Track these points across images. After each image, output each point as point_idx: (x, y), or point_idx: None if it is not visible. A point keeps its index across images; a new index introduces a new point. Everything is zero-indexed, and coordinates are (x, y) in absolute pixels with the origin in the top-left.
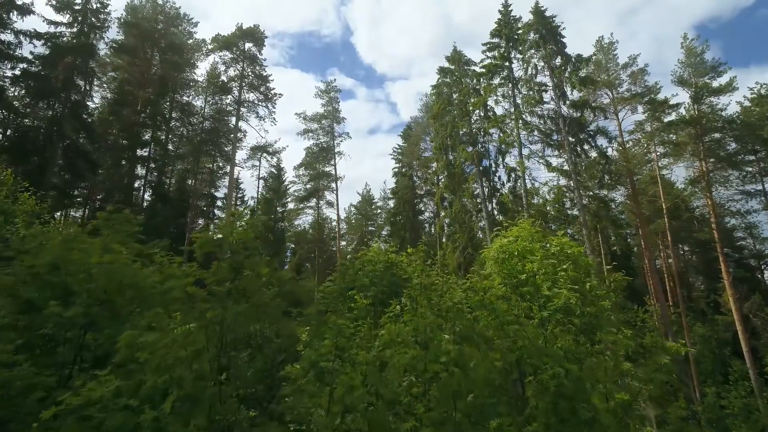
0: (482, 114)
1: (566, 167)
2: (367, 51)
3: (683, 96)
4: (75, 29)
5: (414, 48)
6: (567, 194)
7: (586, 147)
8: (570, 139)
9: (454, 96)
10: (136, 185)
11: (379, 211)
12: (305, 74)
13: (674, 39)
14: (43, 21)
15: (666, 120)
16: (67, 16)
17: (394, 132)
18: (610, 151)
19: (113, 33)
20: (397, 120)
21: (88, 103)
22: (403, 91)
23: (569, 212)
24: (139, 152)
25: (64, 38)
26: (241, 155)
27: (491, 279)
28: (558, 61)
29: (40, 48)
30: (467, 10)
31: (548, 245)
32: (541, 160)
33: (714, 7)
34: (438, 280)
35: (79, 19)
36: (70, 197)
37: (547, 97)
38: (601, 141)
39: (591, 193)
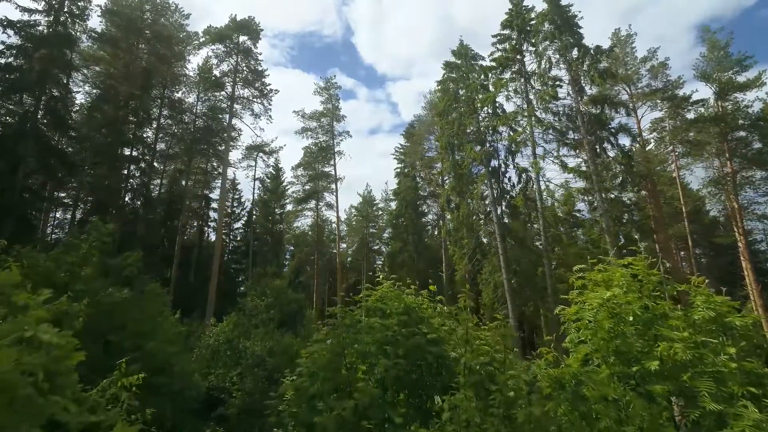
0: (491, 111)
1: (584, 168)
2: (367, 51)
3: (704, 92)
4: (51, 17)
5: (415, 48)
6: (585, 197)
7: (606, 146)
8: (589, 137)
9: (461, 92)
10: (128, 187)
11: (380, 212)
12: (306, 74)
13: (675, 39)
14: (16, 8)
15: (687, 117)
16: (43, 3)
17: (395, 132)
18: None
19: (96, 23)
20: (398, 120)
21: (69, 97)
22: (404, 92)
23: (580, 215)
24: (127, 152)
25: (40, 27)
26: (236, 155)
27: (578, 354)
28: (575, 53)
29: (14, 38)
30: (468, 11)
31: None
32: (555, 160)
33: (715, 7)
34: (482, 337)
35: (56, 6)
36: (52, 200)
37: (562, 92)
38: (623, 140)
39: (613, 195)
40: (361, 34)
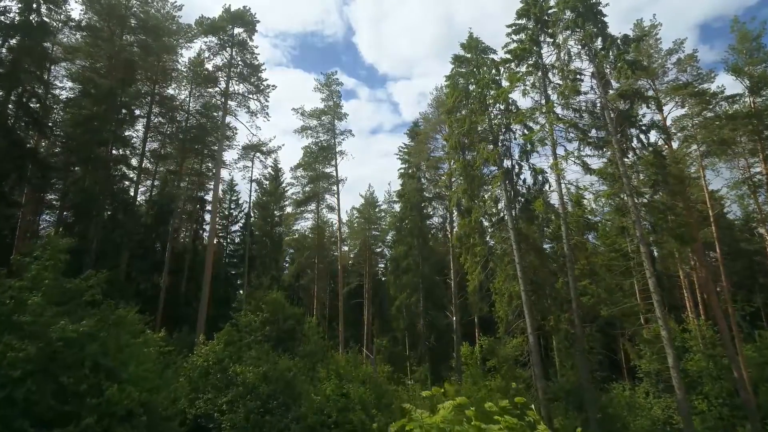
0: (503, 107)
1: (609, 169)
2: (369, 51)
3: (732, 87)
4: (23, 4)
5: (416, 48)
6: (611, 201)
7: (635, 145)
8: (617, 135)
9: (471, 88)
10: (109, 191)
11: (383, 214)
12: (307, 74)
13: (677, 38)
14: None
15: (719, 114)
16: None
17: (396, 132)
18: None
19: (76, 12)
20: (399, 120)
21: (51, 94)
22: (405, 91)
23: (592, 219)
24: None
25: (10, 14)
26: (232, 155)
27: None
28: (599, 43)
29: None
30: (469, 11)
31: None
32: (577, 161)
33: (718, 7)
34: None
35: None
36: (39, 205)
37: (584, 86)
38: (651, 138)
39: (646, 200)
40: (363, 34)
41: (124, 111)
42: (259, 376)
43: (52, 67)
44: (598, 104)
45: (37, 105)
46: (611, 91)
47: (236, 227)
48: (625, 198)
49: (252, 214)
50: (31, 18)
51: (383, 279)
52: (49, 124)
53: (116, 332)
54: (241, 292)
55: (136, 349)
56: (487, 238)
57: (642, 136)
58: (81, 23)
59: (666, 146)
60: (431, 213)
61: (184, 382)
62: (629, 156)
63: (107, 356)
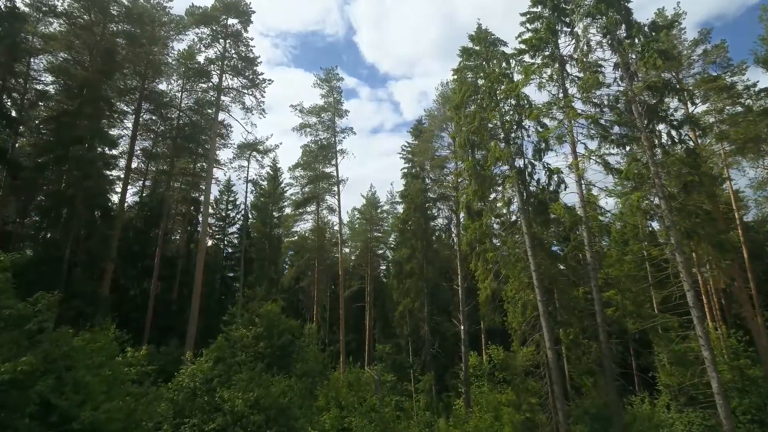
0: (514, 103)
1: (637, 169)
2: (369, 50)
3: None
4: None
5: (417, 47)
6: (639, 204)
7: (666, 141)
8: (647, 132)
9: (480, 82)
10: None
11: (385, 215)
12: (308, 74)
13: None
14: None
15: (743, 108)
16: None
17: (398, 131)
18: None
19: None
20: (400, 119)
21: (21, 86)
22: (407, 91)
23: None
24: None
25: None
26: (227, 154)
27: None
28: (623, 31)
29: None
30: (471, 10)
31: None
32: (599, 160)
33: (719, 5)
34: None
35: None
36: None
37: (606, 79)
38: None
39: (679, 203)
40: (363, 33)
41: (102, 104)
42: (250, 402)
43: (33, 60)
44: (622, 98)
45: (8, 100)
46: (635, 83)
47: (233, 229)
48: (657, 200)
49: (250, 216)
50: (0, 4)
51: (385, 281)
52: (37, 121)
53: (71, 366)
54: (238, 295)
55: (96, 386)
56: (497, 242)
57: (673, 133)
58: (56, 9)
59: (693, 144)
60: (436, 214)
61: (166, 407)
62: (658, 154)
63: (62, 395)
